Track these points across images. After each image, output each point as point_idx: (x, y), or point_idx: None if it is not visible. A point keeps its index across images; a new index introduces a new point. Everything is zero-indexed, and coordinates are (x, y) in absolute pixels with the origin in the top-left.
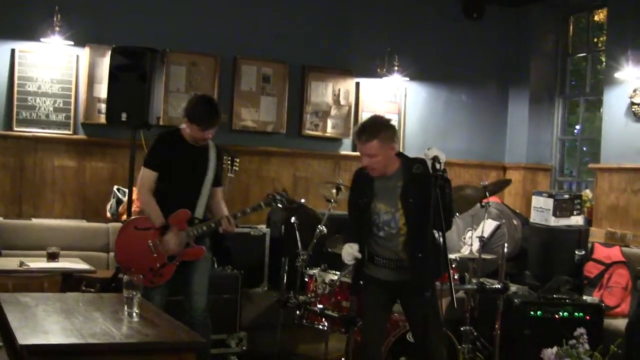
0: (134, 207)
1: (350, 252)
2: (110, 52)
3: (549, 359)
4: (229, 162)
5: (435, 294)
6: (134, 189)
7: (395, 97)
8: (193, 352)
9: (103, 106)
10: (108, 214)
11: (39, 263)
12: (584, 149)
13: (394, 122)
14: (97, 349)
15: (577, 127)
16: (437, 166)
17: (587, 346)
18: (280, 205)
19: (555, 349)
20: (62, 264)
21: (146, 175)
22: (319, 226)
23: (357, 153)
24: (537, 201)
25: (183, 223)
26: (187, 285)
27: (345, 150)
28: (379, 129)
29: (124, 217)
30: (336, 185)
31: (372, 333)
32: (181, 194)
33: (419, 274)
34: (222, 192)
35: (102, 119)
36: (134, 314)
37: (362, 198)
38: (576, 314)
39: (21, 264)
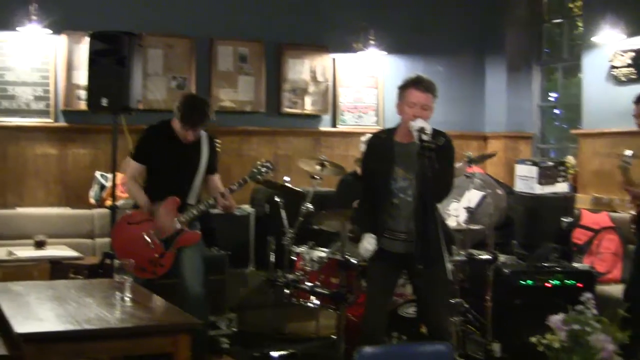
0: (119, 192)
1: (368, 248)
2: (88, 38)
3: (555, 325)
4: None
5: (444, 266)
6: (118, 174)
7: (372, 71)
8: (189, 333)
9: (83, 93)
10: (91, 200)
11: (27, 252)
12: (561, 115)
13: (373, 97)
14: (93, 334)
15: (554, 94)
16: (424, 137)
17: (595, 311)
18: (266, 173)
19: (561, 315)
20: (50, 251)
21: (132, 166)
22: (305, 203)
23: (337, 129)
24: (521, 169)
25: (174, 209)
26: (180, 268)
27: (325, 126)
28: (434, 85)
29: (108, 202)
30: (320, 161)
31: (375, 306)
32: (172, 185)
33: (428, 246)
34: (219, 178)
35: (82, 105)
36: (127, 299)
37: (381, 162)
38: (567, 281)
39: (10, 253)
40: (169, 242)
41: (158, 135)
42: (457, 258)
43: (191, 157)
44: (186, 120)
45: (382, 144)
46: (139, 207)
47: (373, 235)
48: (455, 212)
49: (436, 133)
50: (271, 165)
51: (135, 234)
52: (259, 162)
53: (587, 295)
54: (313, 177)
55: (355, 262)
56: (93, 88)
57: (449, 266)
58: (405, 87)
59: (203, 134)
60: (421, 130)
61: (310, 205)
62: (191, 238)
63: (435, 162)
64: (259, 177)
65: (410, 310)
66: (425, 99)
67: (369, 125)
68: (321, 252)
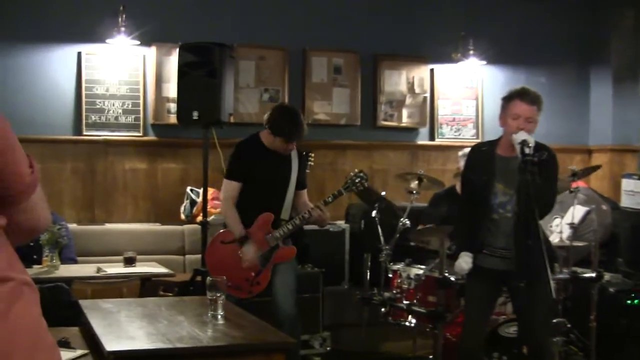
0: (210, 207)
1: (464, 267)
2: (177, 50)
3: None
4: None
5: (547, 285)
6: (209, 189)
7: (472, 82)
8: (282, 352)
9: (172, 106)
10: (182, 216)
11: (116, 268)
12: None
13: (472, 109)
14: (185, 353)
15: None
16: (526, 150)
17: None
18: (361, 186)
19: None
20: (140, 268)
21: (231, 187)
22: (402, 219)
23: (435, 142)
24: (627, 184)
25: (267, 226)
26: (273, 286)
27: (422, 139)
28: (540, 98)
29: (199, 218)
30: (417, 176)
31: (474, 325)
32: (265, 200)
33: (529, 262)
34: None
35: (172, 119)
36: (219, 317)
37: (481, 176)
38: None
39: (98, 270)
40: (265, 259)
41: (250, 151)
42: (560, 276)
43: (283, 171)
44: (288, 133)
45: (483, 157)
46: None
47: (470, 254)
48: (559, 228)
49: (539, 146)
50: (365, 175)
51: (230, 253)
52: (352, 173)
53: None
54: (410, 192)
55: (453, 279)
56: (183, 101)
57: (552, 284)
58: (510, 98)
59: None
60: (524, 144)
61: (407, 221)
62: (288, 254)
63: (538, 177)
64: (353, 188)
65: (510, 330)
66: (529, 112)
67: (468, 138)
68: (418, 270)
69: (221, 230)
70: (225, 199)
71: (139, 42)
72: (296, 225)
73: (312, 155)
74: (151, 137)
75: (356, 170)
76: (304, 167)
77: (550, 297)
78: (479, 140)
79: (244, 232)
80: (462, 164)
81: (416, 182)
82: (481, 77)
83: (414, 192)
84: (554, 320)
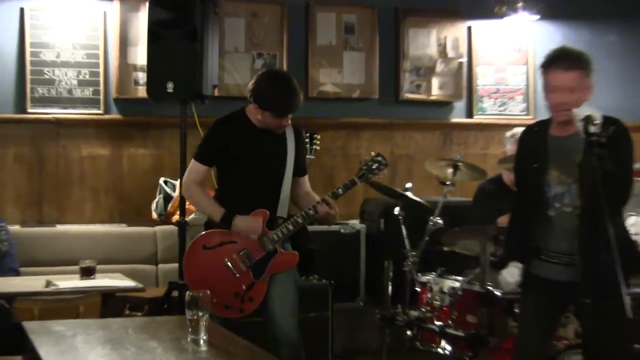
0: (188, 204)
1: (509, 281)
2: (147, 4)
3: None
4: (306, 140)
5: (620, 300)
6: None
7: (520, 43)
8: None
9: (141, 76)
10: (154, 215)
11: (70, 281)
12: None
13: (520, 77)
14: None
15: None
16: (591, 129)
17: None
18: (379, 173)
19: None
20: (101, 281)
21: (195, 170)
22: (432, 217)
23: (474, 120)
24: None
25: (263, 224)
26: (269, 303)
27: (458, 117)
28: (584, 59)
29: (175, 217)
30: (452, 162)
31: (529, 352)
32: (256, 193)
33: (598, 272)
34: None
35: (141, 92)
36: (201, 342)
37: (531, 162)
38: None
39: (48, 283)
40: (258, 269)
41: (232, 129)
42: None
43: (276, 152)
44: (278, 105)
45: (534, 140)
46: (212, 224)
47: (518, 264)
48: (635, 228)
49: (607, 122)
50: (384, 160)
51: (214, 262)
52: (368, 157)
53: None
54: (443, 184)
55: (499, 294)
56: (155, 69)
57: (627, 300)
58: (545, 66)
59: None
60: (588, 120)
61: (439, 220)
62: (288, 260)
63: (608, 162)
64: (370, 176)
65: (575, 359)
66: (569, 80)
67: (516, 114)
68: (454, 282)
69: (202, 233)
70: (188, 183)
71: None
72: (298, 224)
73: (318, 137)
74: (114, 116)
75: (372, 153)
76: (303, 147)
77: (625, 317)
78: (529, 117)
79: (223, 210)
80: (509, 147)
81: (450, 170)
82: (533, 37)
83: (448, 183)
84: (631, 346)
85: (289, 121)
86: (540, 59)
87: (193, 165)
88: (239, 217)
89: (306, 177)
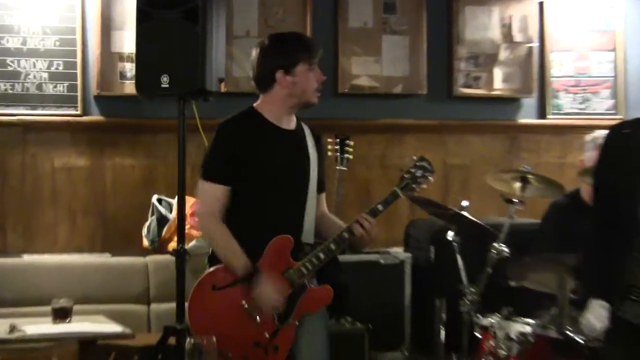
0: (188, 227)
1: (595, 326)
2: None
3: None
4: (336, 147)
5: None
6: (189, 199)
7: (606, 23)
8: None
9: (129, 67)
10: (145, 242)
11: (40, 325)
12: None
13: (607, 66)
14: None
15: None
16: None
17: None
18: (425, 182)
19: None
20: (78, 325)
21: (211, 193)
22: (496, 244)
23: (548, 121)
24: None
25: (285, 256)
26: (297, 353)
27: (527, 116)
28: None
29: (172, 244)
30: (520, 174)
31: None
32: (275, 212)
33: None
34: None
35: (129, 87)
36: None
37: (621, 175)
38: None
39: (12, 328)
40: (284, 311)
41: (244, 132)
42: None
43: (299, 161)
44: (306, 43)
45: (623, 146)
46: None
47: (605, 304)
48: None
49: None
50: (429, 164)
51: (228, 305)
52: (410, 163)
53: None
54: (509, 202)
55: (582, 341)
56: (145, 59)
57: None
58: None
59: (304, 126)
60: None
61: (504, 248)
62: (320, 297)
63: None
64: (414, 186)
65: None
66: None
67: (601, 113)
68: (524, 326)
69: (210, 270)
70: (204, 213)
71: None
72: (330, 252)
73: (351, 143)
74: (95, 117)
75: (414, 157)
76: (323, 155)
77: None
78: (618, 117)
79: (249, 263)
80: (589, 155)
81: (518, 184)
82: (622, 15)
83: (515, 200)
84: None
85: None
86: (633, 44)
87: (204, 188)
88: (261, 283)
89: (324, 195)
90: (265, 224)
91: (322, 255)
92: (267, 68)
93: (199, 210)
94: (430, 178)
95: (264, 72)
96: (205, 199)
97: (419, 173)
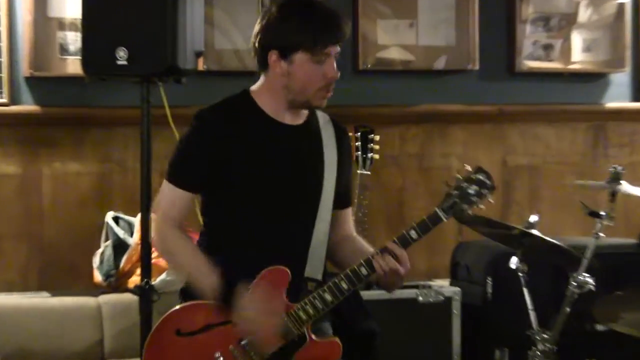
0: (156, 256)
1: None
2: None
3: None
4: (357, 143)
5: None
6: (154, 216)
7: None
8: None
9: (72, 38)
10: (97, 276)
11: None
12: None
13: None
14: None
15: None
16: None
17: None
18: (480, 201)
19: None
20: None
21: (168, 198)
22: (576, 274)
23: None
24: None
25: (280, 296)
26: None
27: (618, 99)
28: None
29: (134, 279)
30: (610, 177)
31: None
32: (269, 232)
33: None
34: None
35: (72, 65)
36: None
37: None
38: None
39: None
40: None
41: (228, 125)
42: None
43: (306, 167)
44: (319, 26)
45: None
46: (193, 291)
47: None
48: None
49: None
50: (489, 178)
51: (198, 357)
52: (461, 175)
53: None
54: (594, 215)
55: None
56: (95, 28)
57: None
58: None
59: (321, 115)
60: None
61: (588, 278)
62: (322, 355)
63: None
64: (464, 206)
65: None
66: None
67: None
68: None
69: (176, 308)
70: (158, 223)
71: None
72: (341, 292)
73: (377, 138)
74: (27, 107)
75: (468, 168)
76: (348, 157)
77: None
78: None
79: (215, 277)
80: None
81: (607, 191)
82: None
83: (603, 213)
84: None
85: (338, 73)
86: None
87: (164, 189)
88: (247, 294)
89: (349, 211)
90: (253, 251)
91: (328, 297)
92: (261, 43)
93: (153, 209)
94: (489, 197)
95: (259, 47)
96: (164, 203)
97: (472, 190)
